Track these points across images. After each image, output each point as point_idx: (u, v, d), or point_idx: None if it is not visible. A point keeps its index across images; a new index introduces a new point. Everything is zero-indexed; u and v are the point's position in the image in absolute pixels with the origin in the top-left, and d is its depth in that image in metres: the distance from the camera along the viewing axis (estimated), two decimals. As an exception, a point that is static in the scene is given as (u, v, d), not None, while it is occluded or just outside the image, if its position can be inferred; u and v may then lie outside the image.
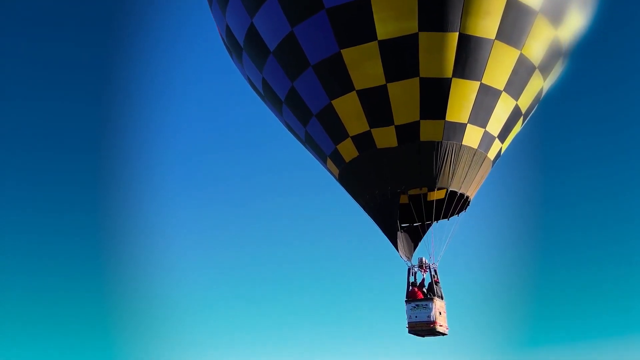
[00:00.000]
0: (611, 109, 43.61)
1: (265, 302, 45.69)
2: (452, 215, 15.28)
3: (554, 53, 14.60)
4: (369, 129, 13.98)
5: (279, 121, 17.26)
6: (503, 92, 13.93)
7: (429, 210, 15.06)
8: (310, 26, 13.47)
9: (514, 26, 13.27)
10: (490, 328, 37.57)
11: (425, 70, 13.22)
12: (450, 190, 14.40)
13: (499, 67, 13.59)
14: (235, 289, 47.05)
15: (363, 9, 12.89)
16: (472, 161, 14.27)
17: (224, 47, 17.54)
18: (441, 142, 13.77)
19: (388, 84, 13.41)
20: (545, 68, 14.64)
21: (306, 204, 51.19)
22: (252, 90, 17.54)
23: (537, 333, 39.60)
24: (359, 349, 41.60)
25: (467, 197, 14.92)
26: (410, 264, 14.85)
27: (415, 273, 14.76)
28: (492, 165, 15.45)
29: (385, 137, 13.93)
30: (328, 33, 13.35)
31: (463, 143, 13.95)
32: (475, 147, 14.19)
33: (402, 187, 14.28)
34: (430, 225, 15.38)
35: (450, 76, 13.30)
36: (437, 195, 15.33)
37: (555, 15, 13.85)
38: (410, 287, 14.36)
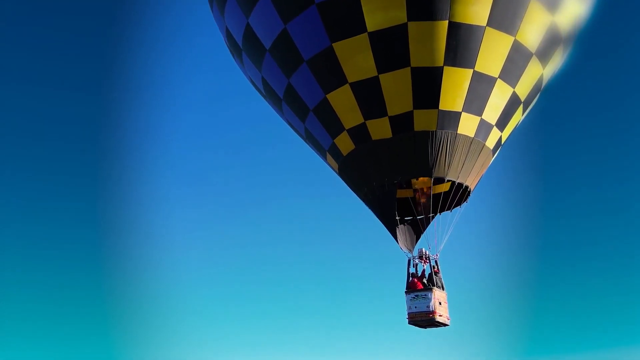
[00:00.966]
0: (616, 98, 42.57)
1: (265, 300, 45.52)
2: (454, 207, 15.16)
3: (552, 39, 14.39)
4: (363, 120, 14.05)
5: (282, 120, 17.49)
6: (498, 79, 13.80)
7: (432, 203, 14.97)
8: (302, 22, 13.67)
9: (506, 12, 13.17)
10: (492, 321, 36.90)
11: (416, 60, 13.23)
12: (448, 180, 14.31)
13: (492, 54, 13.48)
14: (235, 286, 47.01)
15: (352, 2, 13.02)
16: (469, 150, 14.15)
17: (228, 49, 17.93)
18: (435, 131, 13.71)
19: (380, 75, 13.47)
20: (543, 55, 14.43)
21: (309, 202, 51.07)
22: (255, 90, 17.84)
23: (538, 332, 38.95)
24: (359, 344, 41.27)
25: (467, 187, 14.77)
26: (410, 256, 14.79)
27: (417, 264, 14.69)
28: (493, 155, 15.25)
29: (380, 128, 13.96)
30: (319, 27, 13.52)
31: (458, 132, 13.85)
32: (472, 135, 14.06)
33: (398, 178, 14.27)
34: (433, 217, 15.28)
35: (442, 65, 13.27)
36: (441, 188, 15.26)
37: (551, 0, 13.72)
38: (410, 278, 14.29)
